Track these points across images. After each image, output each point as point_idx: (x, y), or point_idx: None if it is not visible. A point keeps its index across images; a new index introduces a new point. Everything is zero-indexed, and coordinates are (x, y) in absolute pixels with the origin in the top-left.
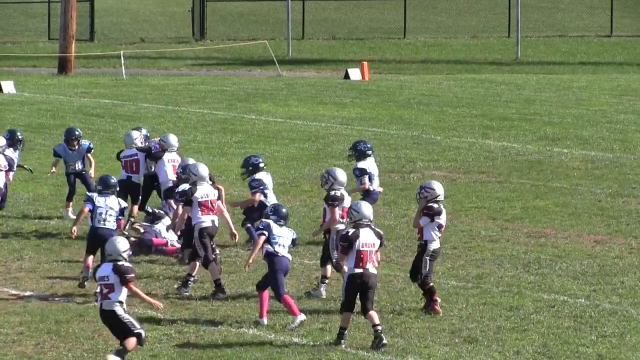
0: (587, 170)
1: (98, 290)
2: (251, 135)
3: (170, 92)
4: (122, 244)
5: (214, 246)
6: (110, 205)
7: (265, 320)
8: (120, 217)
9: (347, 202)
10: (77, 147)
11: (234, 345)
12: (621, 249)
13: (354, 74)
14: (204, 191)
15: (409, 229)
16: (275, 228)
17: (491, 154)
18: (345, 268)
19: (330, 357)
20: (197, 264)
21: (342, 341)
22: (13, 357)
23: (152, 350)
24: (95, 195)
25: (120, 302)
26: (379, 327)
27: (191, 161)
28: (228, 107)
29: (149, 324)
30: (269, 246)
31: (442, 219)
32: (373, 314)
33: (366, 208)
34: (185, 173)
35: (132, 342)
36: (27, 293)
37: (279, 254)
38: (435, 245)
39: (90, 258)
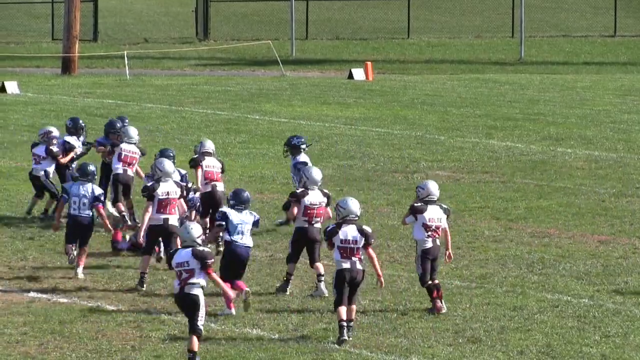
0: (590, 170)
1: (177, 275)
2: (255, 136)
3: (174, 93)
4: (196, 230)
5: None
6: (84, 192)
7: (233, 311)
8: (96, 203)
9: (316, 199)
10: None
11: (238, 345)
12: (625, 249)
13: (358, 74)
14: (166, 189)
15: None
16: (233, 214)
17: (495, 154)
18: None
19: (333, 357)
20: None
21: (344, 334)
22: (17, 357)
23: (156, 351)
24: (69, 185)
25: (203, 287)
26: (351, 324)
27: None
28: (232, 107)
29: (152, 324)
30: (227, 235)
31: (427, 218)
32: (354, 308)
33: (353, 204)
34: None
35: (196, 343)
36: (31, 293)
37: (236, 242)
38: (427, 245)
39: (70, 247)
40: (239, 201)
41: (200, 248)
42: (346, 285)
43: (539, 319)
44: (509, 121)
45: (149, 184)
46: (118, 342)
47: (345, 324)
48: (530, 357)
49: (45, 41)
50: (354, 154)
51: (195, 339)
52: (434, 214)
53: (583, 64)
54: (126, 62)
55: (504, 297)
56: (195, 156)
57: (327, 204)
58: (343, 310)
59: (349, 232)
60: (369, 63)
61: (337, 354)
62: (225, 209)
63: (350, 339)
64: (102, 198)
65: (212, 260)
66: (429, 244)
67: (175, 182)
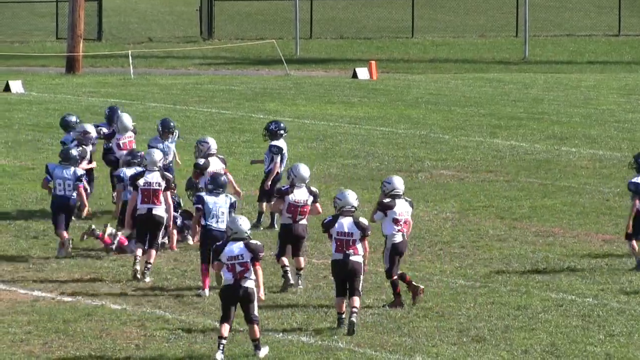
0: (595, 169)
1: (228, 268)
2: (259, 135)
3: (178, 92)
4: (245, 223)
5: (162, 235)
6: (67, 175)
7: (207, 292)
8: (77, 183)
9: (301, 197)
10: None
11: (242, 344)
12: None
13: (362, 73)
14: (149, 179)
15: (417, 228)
16: (209, 198)
17: (499, 153)
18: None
19: (338, 356)
20: (154, 252)
21: (342, 326)
22: (21, 356)
23: (160, 350)
24: (52, 166)
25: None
26: (355, 310)
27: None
28: (236, 107)
29: (156, 323)
30: (202, 219)
31: (397, 212)
32: (356, 299)
33: (350, 196)
34: (134, 158)
35: (257, 330)
36: (35, 292)
37: (210, 226)
38: (396, 239)
39: (62, 233)
40: (215, 185)
41: (254, 241)
42: (343, 277)
43: (543, 318)
44: (513, 120)
45: (134, 174)
46: (122, 341)
47: (343, 316)
48: (535, 356)
49: (49, 40)
50: (358, 153)
51: (255, 327)
52: (402, 208)
53: (587, 63)
54: (130, 61)
55: (508, 296)
56: (201, 162)
57: (315, 201)
58: (340, 301)
59: (345, 224)
60: (373, 62)
61: (342, 353)
62: (201, 193)
63: (354, 323)
64: (83, 179)
65: (263, 254)
66: (399, 238)
67: (161, 174)
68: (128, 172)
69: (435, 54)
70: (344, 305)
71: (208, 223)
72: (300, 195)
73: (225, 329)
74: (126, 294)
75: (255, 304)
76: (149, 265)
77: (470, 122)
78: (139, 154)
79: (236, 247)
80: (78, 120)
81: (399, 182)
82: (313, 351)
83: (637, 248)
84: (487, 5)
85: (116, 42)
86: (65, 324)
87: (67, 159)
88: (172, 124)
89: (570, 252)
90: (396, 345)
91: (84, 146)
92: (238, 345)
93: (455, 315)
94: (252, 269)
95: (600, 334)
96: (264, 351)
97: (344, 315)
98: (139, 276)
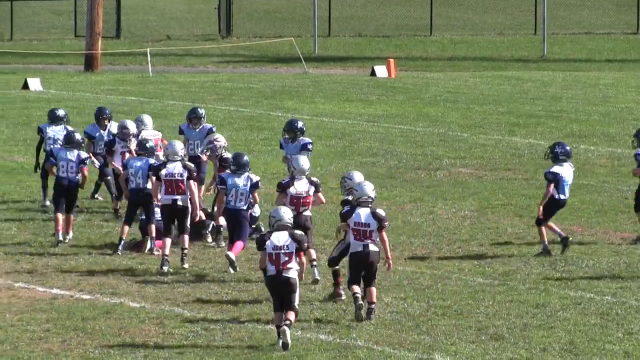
0: (613, 168)
1: (271, 258)
2: (277, 133)
3: (196, 90)
4: (287, 213)
5: (186, 223)
6: (71, 157)
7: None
8: (81, 165)
9: (302, 188)
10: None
11: (261, 342)
12: None
13: (381, 71)
14: (171, 170)
15: (435, 227)
16: (229, 179)
17: (518, 151)
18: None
19: (356, 354)
20: (186, 237)
21: (359, 305)
22: (40, 353)
23: (179, 348)
24: (57, 149)
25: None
26: (373, 306)
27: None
28: (254, 105)
29: (175, 321)
30: (225, 197)
31: None
32: (373, 290)
33: (367, 186)
34: (143, 150)
35: (294, 316)
36: (54, 290)
37: (229, 205)
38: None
39: (60, 215)
40: (237, 165)
41: (298, 232)
42: (361, 269)
43: (561, 316)
44: (531, 118)
45: (155, 164)
46: (141, 338)
47: (359, 295)
48: (553, 354)
49: (68, 38)
50: (377, 151)
51: (293, 314)
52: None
53: (605, 62)
54: (149, 59)
55: (526, 295)
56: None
57: (317, 191)
58: (356, 287)
59: (362, 214)
60: (391, 60)
61: (360, 351)
62: (223, 173)
63: (372, 320)
64: (87, 162)
65: (307, 244)
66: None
67: (183, 163)
68: (138, 162)
69: (453, 52)
70: (359, 288)
71: (228, 200)
72: (301, 187)
73: (279, 318)
74: (145, 291)
75: (297, 294)
76: (185, 251)
77: (489, 120)
78: (147, 145)
79: (281, 237)
80: (65, 115)
81: (359, 178)
82: (331, 349)
83: (545, 234)
84: (505, 3)
85: (135, 40)
86: (84, 322)
87: (70, 142)
88: (200, 111)
89: (589, 250)
90: (415, 343)
91: (123, 141)
92: (257, 344)
93: (473, 314)
94: (295, 258)
95: (619, 332)
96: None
97: (358, 294)
98: (164, 270)
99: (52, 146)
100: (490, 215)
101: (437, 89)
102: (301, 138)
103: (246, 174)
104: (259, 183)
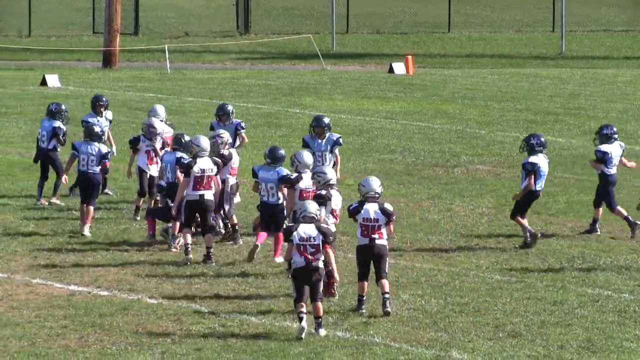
0: None
1: (299, 250)
2: (295, 129)
3: (214, 86)
4: (312, 205)
5: (214, 219)
6: (91, 151)
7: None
8: (103, 160)
9: (309, 182)
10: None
11: (278, 339)
12: None
13: (399, 68)
14: (202, 166)
15: (453, 224)
16: (260, 171)
17: None
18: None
19: (374, 351)
20: (210, 236)
21: (362, 307)
22: (57, 350)
23: (197, 344)
24: (79, 143)
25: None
26: (387, 295)
27: None
28: (272, 101)
29: (192, 317)
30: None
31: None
32: (385, 282)
33: (373, 182)
34: (178, 144)
35: (321, 309)
36: (72, 286)
37: (261, 199)
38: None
39: (85, 207)
40: (272, 159)
41: (324, 225)
42: (368, 261)
43: (579, 314)
44: (549, 115)
45: (185, 161)
46: (158, 335)
47: (364, 298)
48: (571, 351)
49: (86, 35)
50: (395, 148)
51: (319, 304)
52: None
53: (624, 59)
54: (167, 55)
55: (544, 292)
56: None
57: None
58: (362, 285)
59: (370, 210)
60: (409, 57)
61: (378, 348)
62: (255, 166)
63: (389, 309)
64: (109, 156)
65: (333, 237)
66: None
67: (211, 159)
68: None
69: (471, 49)
70: (366, 287)
71: (261, 194)
72: (308, 181)
73: (302, 308)
74: (163, 288)
75: (322, 284)
76: (211, 250)
77: (507, 117)
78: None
79: (308, 229)
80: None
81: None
82: (349, 346)
83: (525, 222)
84: (523, 0)
85: (153, 36)
86: (102, 318)
87: (90, 135)
88: (229, 107)
89: (607, 247)
90: (432, 340)
91: (149, 140)
92: (274, 341)
93: (491, 311)
94: (321, 251)
95: (637, 330)
96: (322, 331)
97: (364, 297)
98: (190, 257)
99: (43, 144)
100: (507, 212)
101: (455, 86)
102: (329, 134)
103: (278, 168)
104: (288, 177)
